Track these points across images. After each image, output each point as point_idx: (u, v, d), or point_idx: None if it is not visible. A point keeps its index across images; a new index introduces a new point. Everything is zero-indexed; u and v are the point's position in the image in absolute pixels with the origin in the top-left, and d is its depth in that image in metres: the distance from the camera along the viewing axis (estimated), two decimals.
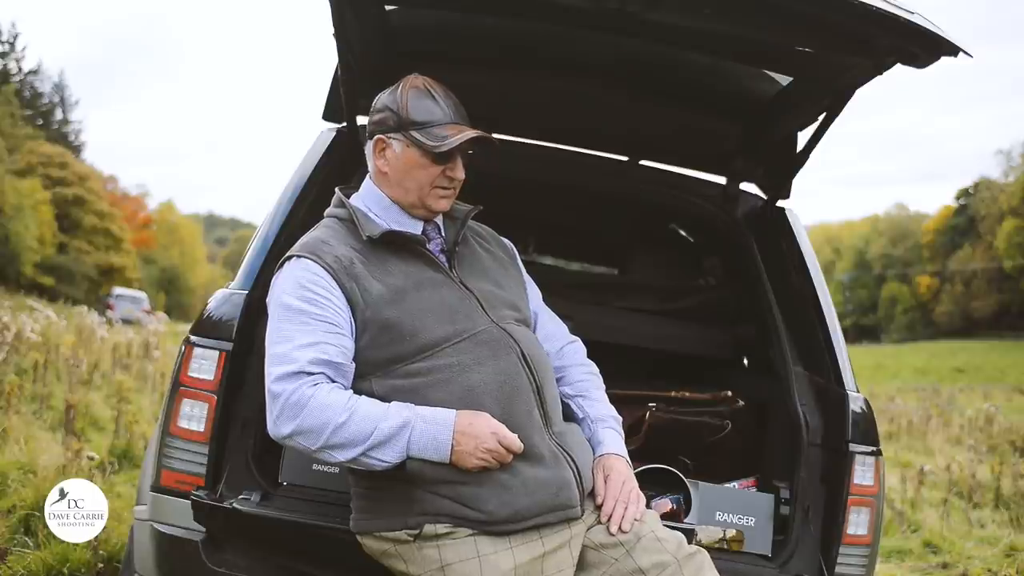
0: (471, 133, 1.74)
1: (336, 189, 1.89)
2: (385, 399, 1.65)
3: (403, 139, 1.75)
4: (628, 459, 1.85)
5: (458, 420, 1.59)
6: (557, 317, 2.04)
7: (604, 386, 1.98)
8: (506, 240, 2.05)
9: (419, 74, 1.80)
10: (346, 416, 1.57)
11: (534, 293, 2.01)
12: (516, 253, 2.05)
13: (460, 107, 1.79)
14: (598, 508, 1.74)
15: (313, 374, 1.61)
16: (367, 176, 1.86)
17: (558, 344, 1.97)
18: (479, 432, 1.58)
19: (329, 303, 1.67)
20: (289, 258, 1.74)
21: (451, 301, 1.74)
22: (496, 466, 1.59)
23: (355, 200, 1.84)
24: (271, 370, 1.63)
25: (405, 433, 1.57)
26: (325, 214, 1.87)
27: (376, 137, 1.79)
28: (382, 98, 1.80)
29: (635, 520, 1.72)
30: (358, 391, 1.66)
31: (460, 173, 1.78)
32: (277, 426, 1.61)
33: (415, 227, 1.82)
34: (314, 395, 1.58)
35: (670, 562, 1.66)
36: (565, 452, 1.70)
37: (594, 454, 1.82)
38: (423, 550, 1.62)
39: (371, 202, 1.83)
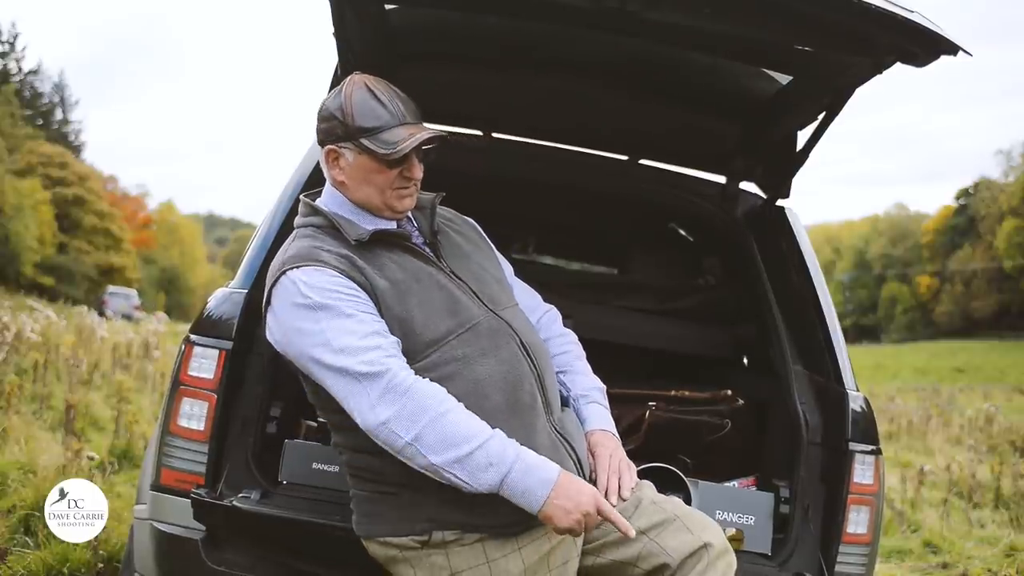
0: (422, 135, 1.68)
1: (301, 197, 1.83)
2: None
3: (354, 147, 1.69)
4: (615, 431, 1.85)
5: (560, 480, 1.54)
6: (529, 287, 2.02)
7: (584, 354, 1.98)
8: (468, 218, 2.01)
9: (362, 73, 1.75)
10: (445, 408, 1.54)
11: (508, 269, 1.99)
12: (480, 229, 2.01)
13: (409, 103, 1.72)
14: (593, 484, 1.73)
15: (399, 358, 1.58)
16: (327, 183, 1.80)
17: (535, 316, 1.95)
18: (581, 497, 1.53)
19: (358, 298, 1.63)
20: (284, 272, 1.65)
21: (448, 293, 1.73)
22: (580, 531, 1.55)
23: (323, 207, 1.78)
24: (350, 361, 1.56)
25: (505, 467, 1.52)
26: (296, 225, 1.79)
27: (328, 147, 1.73)
28: (327, 104, 1.74)
29: (631, 489, 1.72)
30: None
31: (418, 173, 1.73)
32: (375, 411, 1.54)
33: (390, 226, 1.78)
34: (416, 382, 1.56)
35: (672, 519, 1.68)
36: (565, 440, 1.70)
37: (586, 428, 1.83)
38: (431, 557, 1.62)
39: (339, 208, 1.77)
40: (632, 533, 1.57)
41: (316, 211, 1.77)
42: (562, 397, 1.88)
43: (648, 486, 1.80)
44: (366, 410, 1.55)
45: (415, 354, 1.64)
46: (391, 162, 1.68)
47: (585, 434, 1.82)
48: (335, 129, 1.71)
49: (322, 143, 1.75)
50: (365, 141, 1.67)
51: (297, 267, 1.64)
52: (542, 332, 1.94)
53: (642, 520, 1.68)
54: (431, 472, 1.54)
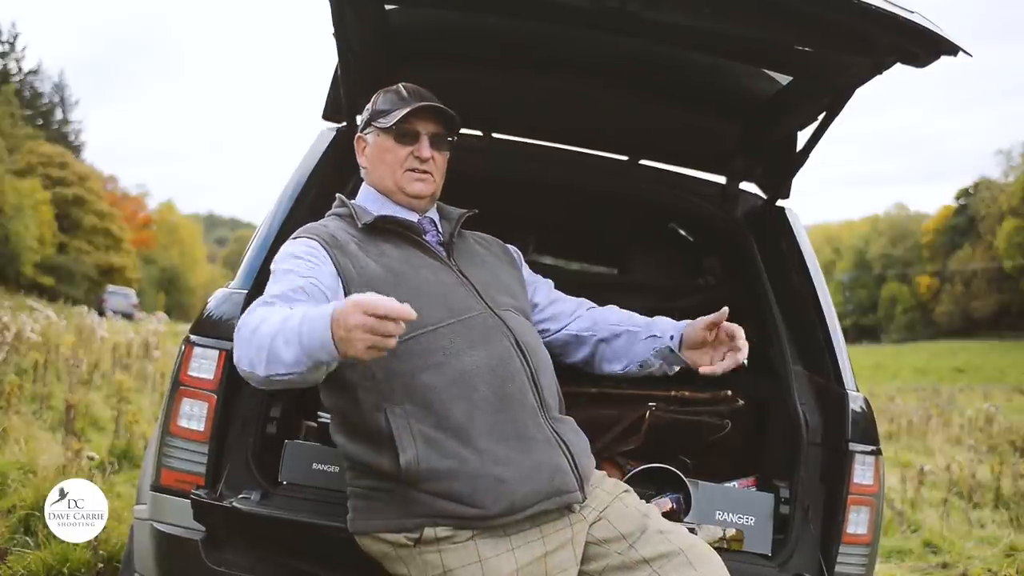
0: (416, 104, 1.82)
1: (337, 194, 1.96)
2: (383, 382, 1.65)
3: (372, 129, 1.88)
4: None
5: (335, 314, 1.35)
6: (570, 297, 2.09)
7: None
8: (510, 246, 2.09)
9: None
10: (255, 325, 1.48)
11: (545, 283, 2.07)
12: (521, 258, 2.09)
13: (429, 96, 1.86)
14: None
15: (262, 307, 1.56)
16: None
17: (585, 306, 2.04)
18: (346, 311, 1.33)
19: (317, 267, 1.69)
20: (287, 241, 1.81)
21: (447, 285, 1.77)
22: (383, 343, 1.32)
23: (354, 200, 1.92)
24: None
25: (296, 336, 1.40)
26: (326, 215, 1.93)
27: (357, 137, 1.94)
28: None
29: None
30: (355, 370, 1.64)
31: (425, 152, 1.84)
32: (236, 355, 1.54)
33: (409, 216, 1.88)
34: (241, 322, 1.54)
35: (676, 552, 1.66)
36: (559, 438, 1.70)
37: (681, 329, 1.85)
38: (424, 555, 1.62)
39: (365, 200, 1.92)
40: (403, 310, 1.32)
41: (343, 203, 1.92)
42: (641, 334, 1.92)
43: (655, 512, 1.80)
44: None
45: None
46: (397, 135, 1.84)
47: (697, 321, 1.82)
48: (364, 119, 1.92)
49: (356, 137, 1.95)
50: (379, 120, 1.86)
51: (295, 237, 1.80)
52: (595, 313, 2.02)
53: (647, 549, 1.67)
54: (276, 383, 1.48)
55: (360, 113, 2.38)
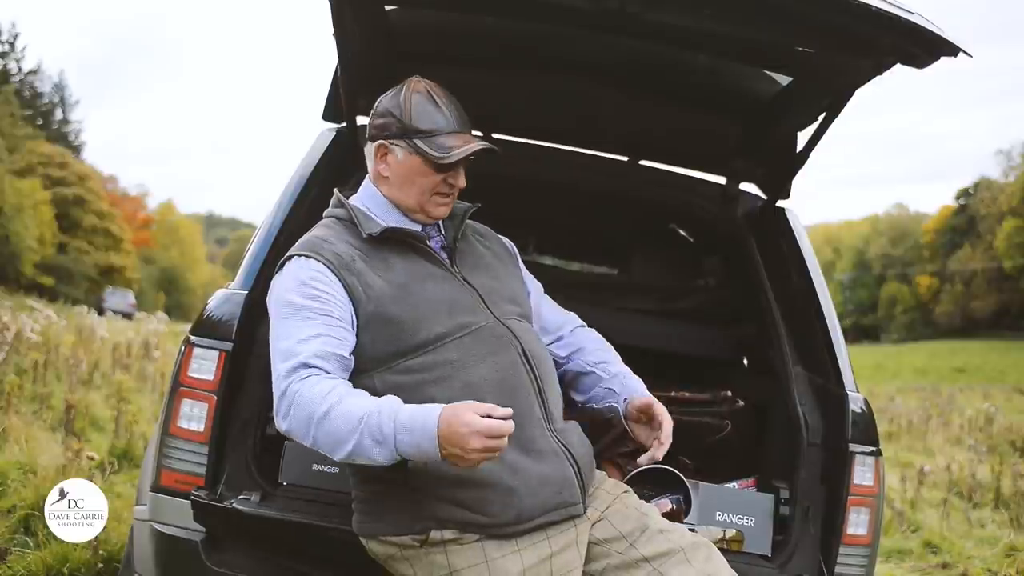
0: (476, 146, 1.72)
1: (335, 190, 1.89)
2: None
3: (406, 146, 1.73)
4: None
5: (440, 428, 1.45)
6: (561, 307, 2.05)
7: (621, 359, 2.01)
8: (505, 239, 2.04)
9: (421, 77, 1.78)
10: (326, 407, 1.52)
11: (535, 287, 2.02)
12: (516, 252, 2.05)
13: (462, 112, 1.77)
14: (638, 452, 1.78)
15: (312, 367, 1.58)
16: (366, 177, 1.85)
17: (570, 327, 1.99)
18: (461, 434, 1.44)
19: (331, 298, 1.66)
20: (289, 258, 1.73)
21: (453, 296, 1.74)
22: (496, 456, 1.48)
23: (354, 200, 1.83)
24: (277, 367, 1.61)
25: (390, 442, 1.48)
26: (324, 214, 1.87)
27: (378, 142, 1.77)
28: (384, 102, 1.78)
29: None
30: (361, 388, 1.64)
31: (462, 181, 1.78)
32: (279, 417, 1.59)
33: (414, 226, 1.82)
34: (300, 390, 1.55)
35: (676, 550, 1.67)
36: (565, 448, 1.70)
37: (627, 396, 1.87)
38: (430, 555, 1.62)
39: (370, 203, 1.82)
40: (510, 427, 1.48)
41: (341, 204, 1.83)
42: (603, 380, 1.92)
43: (655, 512, 1.80)
44: (276, 413, 1.60)
45: (407, 352, 1.66)
46: (439, 167, 1.72)
47: (637, 399, 1.84)
48: (390, 126, 1.74)
49: (373, 138, 1.79)
50: (419, 142, 1.72)
51: (297, 256, 1.71)
52: (576, 337, 1.98)
53: (648, 548, 1.68)
54: (348, 463, 1.56)
55: (361, 114, 2.38)
